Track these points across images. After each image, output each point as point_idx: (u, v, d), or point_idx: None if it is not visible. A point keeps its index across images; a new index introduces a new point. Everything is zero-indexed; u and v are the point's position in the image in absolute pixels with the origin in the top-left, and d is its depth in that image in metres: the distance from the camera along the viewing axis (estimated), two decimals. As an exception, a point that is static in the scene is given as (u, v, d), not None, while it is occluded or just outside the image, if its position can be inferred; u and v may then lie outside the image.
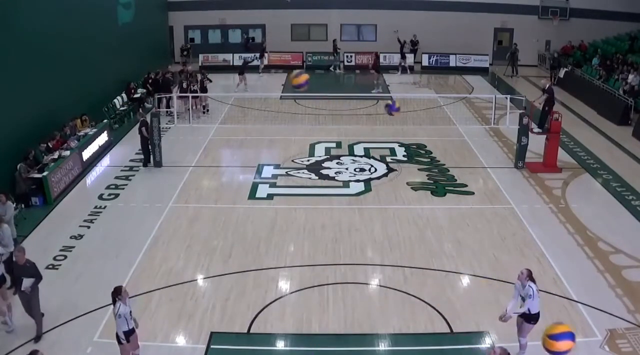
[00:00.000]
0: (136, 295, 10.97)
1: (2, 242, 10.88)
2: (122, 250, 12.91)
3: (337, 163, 18.28)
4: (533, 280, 9.02)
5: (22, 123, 16.12)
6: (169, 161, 18.06)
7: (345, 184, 16.69)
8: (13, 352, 9.57)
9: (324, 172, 17.57)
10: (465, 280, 11.85)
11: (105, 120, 20.71)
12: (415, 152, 19.17)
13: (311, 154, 19.13)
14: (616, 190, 16.31)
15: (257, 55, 31.32)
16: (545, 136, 17.69)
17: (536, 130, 18.24)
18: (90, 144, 18.38)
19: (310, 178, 17.14)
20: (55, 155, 16.58)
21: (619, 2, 32.32)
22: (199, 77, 24.52)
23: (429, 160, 18.57)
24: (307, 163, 18.29)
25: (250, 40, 34.84)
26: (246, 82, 27.16)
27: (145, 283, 11.57)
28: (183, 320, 10.44)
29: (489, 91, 27.65)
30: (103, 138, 19.48)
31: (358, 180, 16.87)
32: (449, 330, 10.19)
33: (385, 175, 17.35)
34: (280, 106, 24.79)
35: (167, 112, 23.12)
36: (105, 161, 18.74)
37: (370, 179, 16.96)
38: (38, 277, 9.93)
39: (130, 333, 8.76)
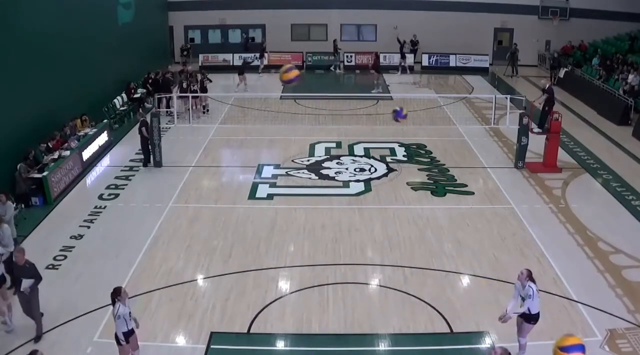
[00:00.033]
0: (136, 295, 10.98)
1: (2, 242, 10.88)
2: (122, 250, 12.91)
3: (337, 163, 18.28)
4: (533, 281, 9.02)
5: (22, 123, 16.12)
6: (169, 161, 18.06)
7: (345, 184, 16.69)
8: (13, 352, 9.57)
9: (324, 172, 17.57)
10: (465, 280, 11.85)
11: (105, 120, 20.71)
12: (415, 152, 19.17)
13: (311, 154, 19.13)
14: (616, 190, 16.31)
15: (257, 55, 31.33)
16: (545, 136, 17.69)
17: (536, 130, 18.25)
18: (90, 144, 18.38)
19: (310, 178, 17.14)
20: (55, 155, 16.58)
21: (619, 2, 32.32)
22: (199, 77, 24.52)
23: (429, 160, 18.57)
24: (307, 163, 18.29)
25: (250, 40, 34.84)
26: (246, 82, 27.17)
27: (145, 283, 11.57)
28: (183, 320, 10.44)
29: (489, 91, 27.65)
30: (103, 138, 19.48)
31: (358, 180, 16.87)
32: (449, 330, 10.19)
33: (385, 175, 17.36)
34: (280, 106, 24.79)
35: (167, 112, 23.12)
36: (105, 161, 18.74)
37: (370, 179, 16.96)
38: (38, 278, 9.92)
39: (129, 334, 8.75)
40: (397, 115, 17.76)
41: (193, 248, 13.03)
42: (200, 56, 33.00)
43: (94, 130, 19.12)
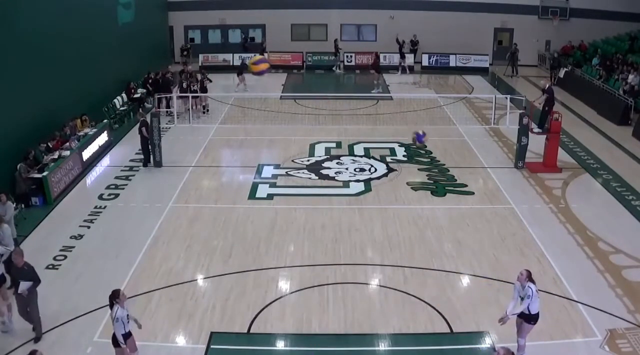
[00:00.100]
0: (136, 296, 10.99)
1: (2, 242, 10.87)
2: (122, 250, 12.90)
3: (337, 163, 18.28)
4: (533, 281, 9.01)
5: (22, 123, 16.12)
6: (169, 161, 18.05)
7: (345, 184, 16.69)
8: (13, 352, 9.56)
9: (324, 172, 17.56)
10: (465, 280, 11.85)
11: (105, 120, 20.71)
12: (415, 152, 19.16)
13: (311, 154, 19.12)
14: (616, 190, 16.31)
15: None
16: (545, 136, 17.69)
17: (536, 130, 18.25)
18: (90, 144, 18.38)
19: (310, 178, 17.13)
20: (55, 155, 16.58)
21: (619, 2, 32.32)
22: (199, 77, 24.51)
23: (429, 160, 18.57)
24: (307, 163, 18.28)
25: (249, 40, 34.84)
26: (245, 83, 27.15)
27: (145, 283, 11.57)
28: (183, 320, 10.44)
29: (489, 91, 27.65)
30: (103, 138, 19.48)
31: (358, 180, 16.87)
32: (449, 330, 10.18)
33: (385, 175, 17.35)
34: (280, 106, 24.79)
35: (167, 112, 23.12)
36: (105, 161, 18.73)
37: (370, 179, 16.96)
38: (36, 281, 9.87)
39: (127, 336, 8.72)
40: (418, 139, 17.83)
41: (193, 248, 13.03)
42: (200, 56, 33.00)
43: (94, 130, 19.12)
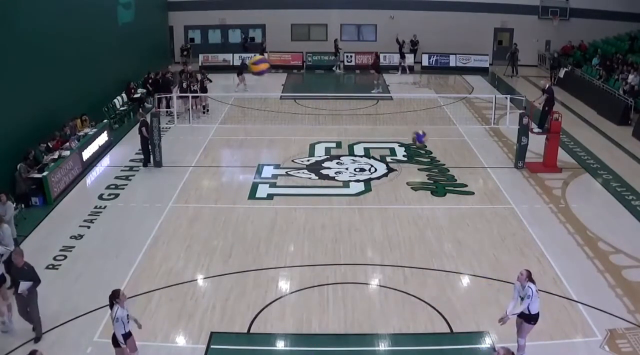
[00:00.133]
0: (136, 295, 10.99)
1: (2, 242, 10.87)
2: (122, 250, 12.90)
3: (337, 163, 18.28)
4: (533, 281, 9.01)
5: (22, 123, 16.12)
6: (169, 161, 18.05)
7: (345, 184, 16.69)
8: (13, 352, 9.56)
9: (324, 172, 17.56)
10: (465, 280, 11.85)
11: (105, 120, 20.71)
12: (415, 152, 19.16)
13: (311, 154, 19.12)
14: (616, 190, 16.31)
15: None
16: (545, 136, 17.69)
17: (536, 130, 18.25)
18: (90, 144, 18.38)
19: (310, 178, 17.13)
20: (55, 155, 16.58)
21: (619, 2, 32.32)
22: (199, 77, 24.51)
23: (429, 160, 18.57)
24: (307, 163, 18.28)
25: (249, 40, 34.83)
26: (245, 83, 27.15)
27: (145, 283, 11.57)
28: (183, 320, 10.44)
29: (489, 91, 27.66)
30: (103, 138, 19.48)
31: (358, 180, 16.87)
32: (449, 330, 10.18)
33: (385, 175, 17.35)
34: (280, 106, 24.79)
35: (167, 112, 23.12)
36: (105, 161, 18.73)
37: (370, 179, 16.96)
38: (36, 281, 9.87)
39: (127, 336, 8.72)
40: (418, 139, 17.85)
41: (193, 248, 13.03)
42: (200, 56, 33.00)
43: (94, 130, 19.12)
